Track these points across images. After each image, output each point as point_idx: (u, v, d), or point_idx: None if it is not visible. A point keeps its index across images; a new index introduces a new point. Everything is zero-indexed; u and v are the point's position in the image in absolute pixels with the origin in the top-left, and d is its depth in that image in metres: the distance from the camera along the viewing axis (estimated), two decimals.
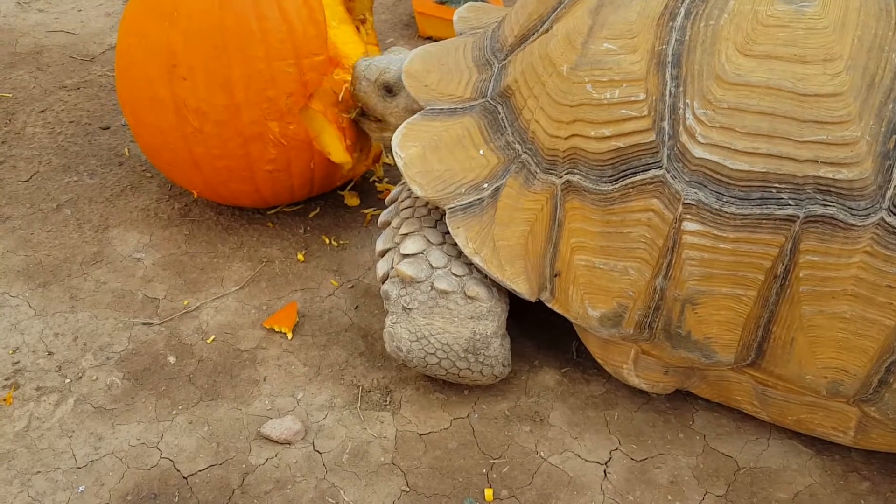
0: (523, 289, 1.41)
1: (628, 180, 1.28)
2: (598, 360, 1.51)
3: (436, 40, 2.79)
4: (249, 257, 1.89)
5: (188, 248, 1.91)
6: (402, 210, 1.53)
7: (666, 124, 1.24)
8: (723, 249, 1.22)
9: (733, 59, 1.19)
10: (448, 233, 1.47)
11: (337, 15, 1.88)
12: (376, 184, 2.10)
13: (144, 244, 1.92)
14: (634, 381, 1.47)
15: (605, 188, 1.30)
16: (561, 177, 1.35)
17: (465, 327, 1.42)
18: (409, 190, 1.55)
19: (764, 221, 1.19)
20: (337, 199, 2.06)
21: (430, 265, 1.43)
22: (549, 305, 1.43)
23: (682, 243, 1.24)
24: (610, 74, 1.28)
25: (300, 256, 1.88)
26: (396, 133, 1.50)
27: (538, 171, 1.39)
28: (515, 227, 1.41)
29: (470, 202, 1.42)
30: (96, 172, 2.15)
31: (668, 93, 1.24)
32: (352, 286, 1.81)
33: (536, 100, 1.39)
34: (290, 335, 1.67)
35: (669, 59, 1.25)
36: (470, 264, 1.44)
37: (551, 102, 1.35)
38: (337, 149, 1.82)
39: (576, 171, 1.33)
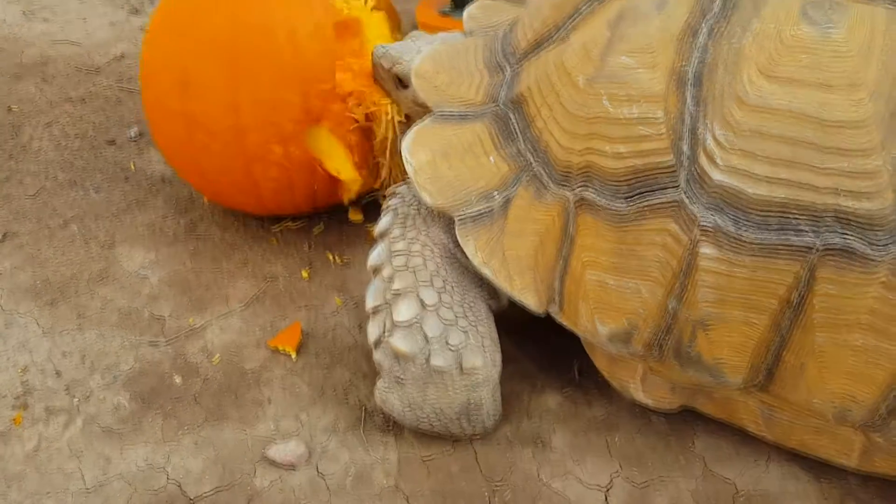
0: (532, 301, 1.40)
1: (644, 200, 1.27)
2: (605, 375, 1.51)
3: None
4: (254, 275, 1.90)
5: (193, 265, 1.93)
6: (393, 254, 1.46)
7: (685, 145, 1.23)
8: (738, 275, 1.22)
9: (755, 82, 1.18)
10: (447, 280, 1.44)
11: (382, 35, 1.88)
12: (381, 199, 2.11)
13: (150, 261, 1.94)
14: (640, 397, 1.47)
15: (620, 206, 1.29)
16: (574, 191, 1.34)
17: (459, 395, 1.41)
18: (400, 224, 1.51)
19: (781, 249, 1.18)
20: (341, 214, 2.07)
21: (425, 336, 1.38)
22: (558, 319, 1.42)
23: (697, 267, 1.24)
24: (627, 90, 1.26)
25: (304, 274, 1.90)
26: (406, 138, 1.49)
27: (550, 182, 1.38)
28: (525, 239, 1.40)
29: (480, 211, 1.41)
30: (102, 188, 2.17)
31: (687, 113, 1.23)
32: (356, 305, 1.82)
33: (550, 110, 1.38)
34: (294, 355, 1.69)
35: (690, 78, 1.23)
36: (467, 331, 1.41)
37: (566, 114, 1.34)
38: (346, 167, 1.84)
39: (590, 186, 1.32)
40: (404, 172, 1.98)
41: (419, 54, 1.65)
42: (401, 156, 1.84)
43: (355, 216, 2.06)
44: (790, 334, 1.24)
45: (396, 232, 1.49)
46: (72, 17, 3.02)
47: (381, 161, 1.91)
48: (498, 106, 1.48)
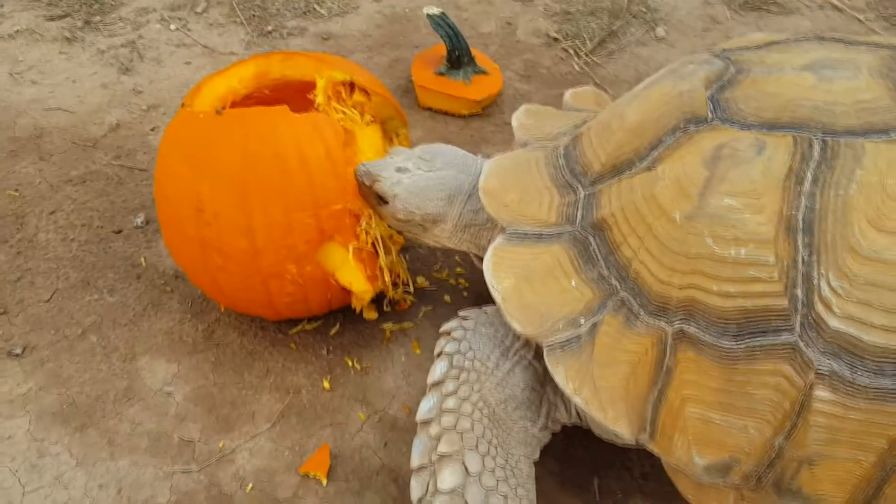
0: (624, 431, 1.42)
1: (756, 342, 1.30)
2: (689, 499, 1.53)
3: (436, 112, 2.81)
4: (277, 387, 1.96)
5: (216, 378, 1.97)
6: (443, 411, 1.50)
7: (799, 292, 1.27)
8: (851, 418, 1.27)
9: (867, 234, 1.23)
10: (491, 443, 1.49)
11: (374, 146, 1.93)
12: (393, 294, 2.15)
13: (173, 374, 1.98)
14: None
15: (728, 345, 1.32)
16: (672, 324, 1.37)
17: None
18: (454, 378, 1.53)
19: (895, 395, 1.24)
20: (355, 312, 2.11)
21: None
22: (648, 447, 1.44)
23: (810, 409, 1.28)
24: (734, 232, 1.30)
25: (326, 384, 1.95)
26: (487, 261, 1.52)
27: (642, 312, 1.40)
28: (616, 368, 1.42)
29: (568, 338, 1.43)
30: (116, 289, 2.19)
31: (800, 260, 1.27)
32: (379, 419, 1.88)
33: (640, 240, 1.41)
34: (324, 482, 1.75)
35: (800, 225, 1.27)
36: (507, 496, 1.46)
37: (661, 248, 1.37)
38: (357, 280, 1.89)
39: (692, 322, 1.35)
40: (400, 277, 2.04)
41: (484, 169, 1.69)
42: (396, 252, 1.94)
43: (370, 314, 2.10)
44: (895, 472, 1.28)
45: (450, 387, 1.52)
46: (61, 79, 2.97)
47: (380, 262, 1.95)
48: (576, 228, 1.51)
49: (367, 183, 1.78)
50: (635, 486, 1.75)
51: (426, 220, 1.81)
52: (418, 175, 1.80)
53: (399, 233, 2.02)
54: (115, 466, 1.79)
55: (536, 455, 1.57)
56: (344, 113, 1.94)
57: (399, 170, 1.80)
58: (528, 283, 1.48)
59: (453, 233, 1.83)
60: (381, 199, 1.80)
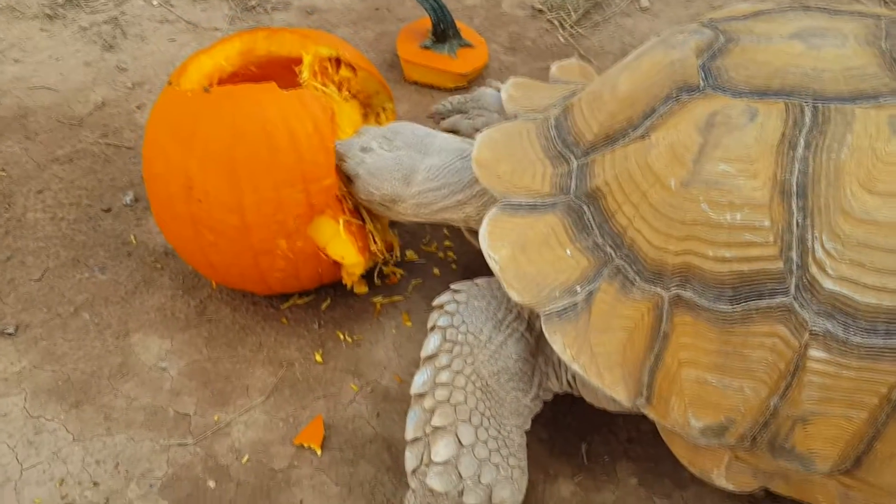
0: (622, 396, 1.44)
1: (752, 304, 1.33)
2: (684, 462, 1.57)
3: (422, 85, 2.82)
4: (270, 360, 1.98)
5: (210, 353, 2.00)
6: (437, 385, 1.52)
7: (794, 254, 1.30)
8: (844, 376, 1.30)
9: (858, 196, 1.27)
10: (484, 415, 1.51)
11: (353, 123, 1.95)
12: (382, 268, 2.18)
13: (167, 350, 2.00)
14: (722, 482, 1.53)
15: (724, 308, 1.35)
16: (669, 290, 1.40)
17: None
18: (447, 352, 1.55)
19: (886, 353, 1.28)
20: (345, 286, 2.14)
21: (459, 474, 1.45)
22: (644, 411, 1.48)
23: (805, 369, 1.31)
24: (730, 197, 1.33)
25: (318, 357, 1.98)
26: (483, 232, 1.54)
27: (638, 279, 1.43)
28: (612, 334, 1.45)
29: (565, 307, 1.46)
30: (107, 267, 2.20)
31: (795, 223, 1.30)
32: (371, 390, 1.92)
33: (635, 208, 1.44)
34: (319, 452, 1.79)
35: (794, 189, 1.31)
36: (498, 465, 1.49)
37: (657, 214, 1.40)
38: (349, 252, 1.91)
39: (688, 286, 1.38)
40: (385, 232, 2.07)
41: (479, 139, 1.70)
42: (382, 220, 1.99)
43: (360, 288, 2.13)
44: (885, 427, 1.32)
45: (443, 360, 1.55)
46: (43, 57, 2.95)
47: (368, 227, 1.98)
48: (570, 198, 1.53)
49: (336, 162, 1.81)
50: (622, 449, 1.80)
51: (385, 200, 1.83)
52: (379, 155, 1.82)
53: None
54: (112, 441, 1.82)
55: (528, 425, 1.60)
56: (324, 90, 1.95)
57: (363, 149, 1.82)
58: (524, 252, 1.50)
59: (417, 212, 1.85)
60: (348, 179, 1.82)
